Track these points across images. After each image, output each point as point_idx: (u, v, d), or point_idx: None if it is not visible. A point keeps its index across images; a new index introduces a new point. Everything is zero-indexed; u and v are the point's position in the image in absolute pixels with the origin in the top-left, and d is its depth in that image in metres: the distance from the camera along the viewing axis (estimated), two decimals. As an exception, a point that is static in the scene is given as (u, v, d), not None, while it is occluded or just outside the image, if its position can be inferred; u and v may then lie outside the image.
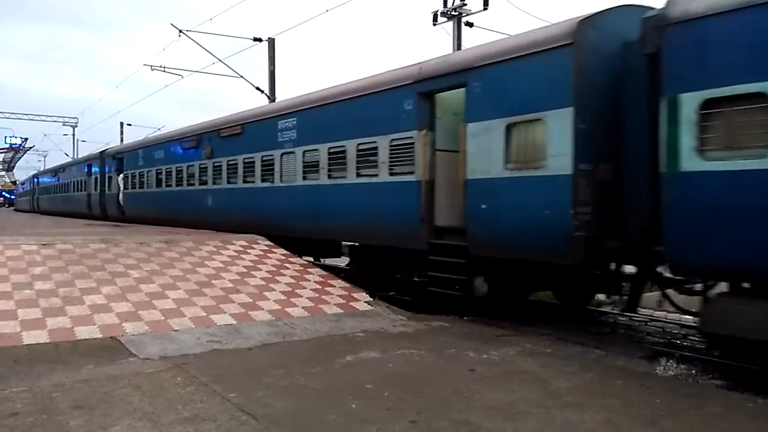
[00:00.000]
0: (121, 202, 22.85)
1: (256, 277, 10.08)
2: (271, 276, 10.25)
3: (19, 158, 73.84)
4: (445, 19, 18.19)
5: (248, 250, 11.70)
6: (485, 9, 17.41)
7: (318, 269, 11.35)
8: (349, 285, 10.49)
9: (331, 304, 9.21)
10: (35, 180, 45.69)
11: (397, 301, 10.10)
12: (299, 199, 12.48)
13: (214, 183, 15.91)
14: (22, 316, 7.32)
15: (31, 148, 67.55)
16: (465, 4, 17.93)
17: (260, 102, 22.16)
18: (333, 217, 11.53)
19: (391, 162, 10.09)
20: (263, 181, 13.72)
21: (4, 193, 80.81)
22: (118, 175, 23.15)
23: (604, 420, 4.70)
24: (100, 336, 7.06)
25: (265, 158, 13.64)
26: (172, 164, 18.50)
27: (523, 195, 7.91)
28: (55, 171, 36.65)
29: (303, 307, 8.91)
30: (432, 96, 9.54)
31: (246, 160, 14.40)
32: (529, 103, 7.84)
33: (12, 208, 63.50)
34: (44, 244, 10.36)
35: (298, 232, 12.70)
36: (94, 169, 26.16)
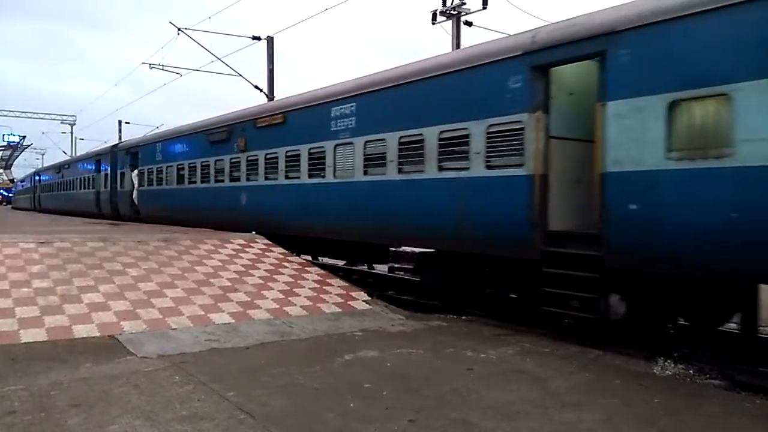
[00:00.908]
0: (136, 201, 21.14)
1: (254, 275, 10.07)
2: (269, 275, 10.24)
3: (17, 156, 73.90)
4: (444, 18, 18.22)
5: (246, 249, 11.70)
6: (484, 8, 17.45)
7: (316, 268, 11.35)
8: (347, 284, 10.50)
9: (329, 303, 9.21)
10: (36, 177, 44.50)
11: (395, 301, 10.09)
12: (359, 198, 10.85)
13: (248, 179, 14.22)
14: (20, 314, 7.32)
15: (29, 146, 67.72)
16: (464, 3, 17.95)
17: (259, 101, 22.08)
18: (404, 218, 9.86)
19: (488, 153, 8.43)
20: (311, 176, 12.07)
21: (1, 191, 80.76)
22: (132, 171, 21.26)
23: (602, 419, 4.71)
24: (98, 334, 7.06)
25: (313, 151, 11.98)
26: (196, 159, 16.73)
27: (697, 192, 6.24)
28: (59, 167, 35.32)
29: (301, 306, 8.91)
30: (547, 70, 7.90)
31: (289, 153, 12.75)
32: (704, 74, 6.22)
33: (10, 206, 63.43)
34: (42, 242, 10.35)
35: (353, 235, 11.26)
36: (104, 166, 24.50)
